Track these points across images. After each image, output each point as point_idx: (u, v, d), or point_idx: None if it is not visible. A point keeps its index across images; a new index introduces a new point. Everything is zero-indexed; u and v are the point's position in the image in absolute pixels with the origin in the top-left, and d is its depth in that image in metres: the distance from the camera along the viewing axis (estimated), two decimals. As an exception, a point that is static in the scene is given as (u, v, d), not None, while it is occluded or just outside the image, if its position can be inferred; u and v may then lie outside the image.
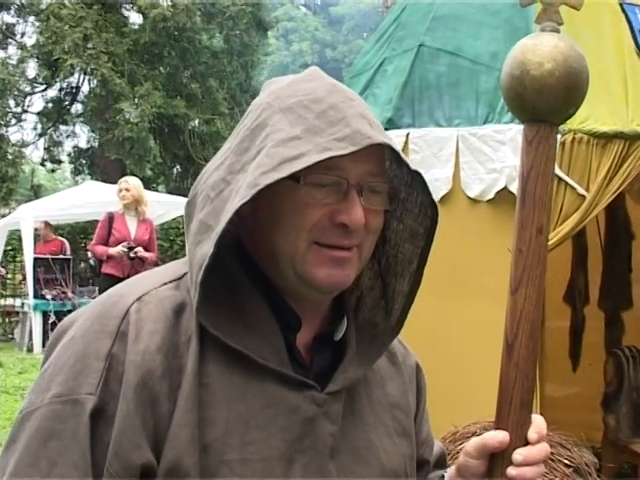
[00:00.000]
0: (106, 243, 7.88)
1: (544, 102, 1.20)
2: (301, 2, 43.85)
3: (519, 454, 1.20)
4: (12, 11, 20.42)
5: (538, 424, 1.23)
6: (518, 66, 1.21)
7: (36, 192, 23.34)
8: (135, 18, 21.03)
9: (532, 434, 1.22)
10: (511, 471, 1.20)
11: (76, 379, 1.10)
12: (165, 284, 1.20)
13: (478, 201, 4.33)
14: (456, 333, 4.45)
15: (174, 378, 1.11)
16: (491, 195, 4.23)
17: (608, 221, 5.61)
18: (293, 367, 1.20)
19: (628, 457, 5.11)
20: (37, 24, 19.80)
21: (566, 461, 3.72)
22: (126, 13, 20.88)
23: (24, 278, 13.55)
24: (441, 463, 1.53)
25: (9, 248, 16.07)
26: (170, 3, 19.40)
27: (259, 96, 1.27)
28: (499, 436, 1.21)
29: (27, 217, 13.20)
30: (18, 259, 15.87)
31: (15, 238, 15.65)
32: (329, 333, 1.28)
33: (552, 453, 3.65)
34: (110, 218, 8.02)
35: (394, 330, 1.35)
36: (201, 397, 1.12)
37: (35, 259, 12.54)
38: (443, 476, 1.39)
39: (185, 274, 1.21)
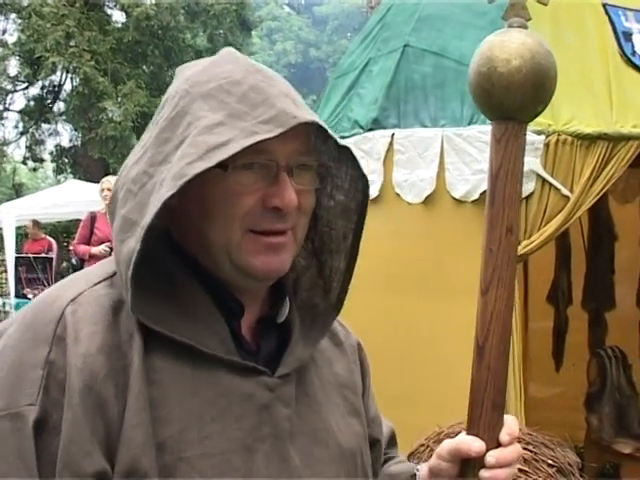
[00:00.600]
0: (88, 242, 7.85)
1: (512, 99, 1.19)
2: (285, 2, 43.82)
3: (491, 456, 1.19)
4: (-6, 8, 20.29)
5: (510, 425, 1.23)
6: (485, 63, 1.20)
7: (17, 191, 23.21)
8: (118, 16, 20.97)
9: (504, 436, 1.21)
10: (484, 473, 1.19)
11: (13, 391, 1.05)
12: (99, 283, 1.15)
13: (463, 202, 4.33)
14: (440, 333, 4.45)
15: (120, 379, 1.07)
16: (476, 196, 4.23)
17: (591, 222, 5.63)
18: (240, 354, 1.17)
19: (610, 457, 5.13)
20: (19, 22, 19.67)
21: (549, 461, 3.72)
22: (109, 11, 20.80)
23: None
24: (393, 442, 1.54)
25: (-10, 247, 15.97)
26: (154, 2, 19.34)
27: (174, 83, 1.23)
28: (475, 446, 1.20)
29: (9, 216, 13.14)
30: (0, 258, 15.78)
31: (-4, 237, 15.55)
32: (272, 316, 1.25)
33: (535, 453, 3.66)
34: (92, 217, 7.98)
35: (335, 309, 1.33)
36: (151, 395, 1.08)
37: (17, 258, 12.47)
38: (415, 475, 1.37)
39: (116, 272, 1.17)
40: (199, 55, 20.38)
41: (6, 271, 13.52)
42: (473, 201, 4.25)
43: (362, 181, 1.27)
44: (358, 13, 33.21)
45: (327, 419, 1.26)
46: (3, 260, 14.42)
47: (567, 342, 5.70)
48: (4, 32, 20.61)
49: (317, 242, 1.33)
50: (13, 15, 20.17)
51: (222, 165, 1.08)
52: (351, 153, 1.23)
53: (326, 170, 1.26)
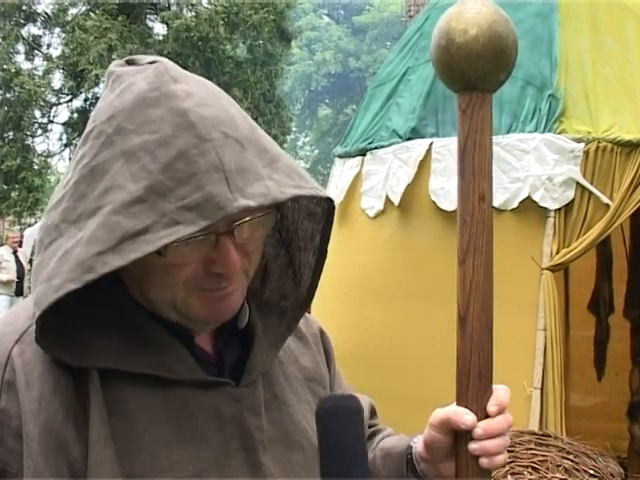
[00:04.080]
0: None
1: (472, 69, 1.18)
2: (324, 12, 43.96)
3: (478, 427, 1.16)
4: (38, 23, 20.63)
5: (498, 395, 1.20)
6: (444, 35, 1.19)
7: (61, 202, 23.47)
8: (159, 29, 21.19)
9: (491, 406, 1.18)
10: (472, 445, 1.16)
11: None
12: None
13: (502, 210, 4.32)
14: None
15: (79, 416, 1.02)
16: (515, 204, 4.22)
17: (633, 230, 5.57)
18: (203, 367, 1.13)
19: (654, 467, 5.06)
20: (63, 35, 19.97)
21: (591, 471, 3.69)
22: (150, 24, 21.02)
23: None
24: (373, 413, 1.53)
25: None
26: (193, 13, 19.52)
27: (100, 103, 1.13)
28: (466, 419, 1.17)
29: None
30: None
31: (41, 247, 15.74)
32: (232, 322, 1.20)
33: (577, 463, 3.64)
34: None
35: (304, 304, 1.29)
36: (115, 427, 1.03)
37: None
38: (411, 447, 1.34)
39: None
40: (239, 66, 20.54)
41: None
42: (512, 210, 4.25)
43: (326, 201, 1.21)
44: (397, 22, 33.19)
45: (299, 420, 1.23)
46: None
47: (609, 351, 5.63)
48: (49, 46, 20.92)
49: (284, 235, 1.30)
50: (57, 29, 20.49)
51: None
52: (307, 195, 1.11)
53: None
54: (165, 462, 1.05)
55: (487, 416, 1.18)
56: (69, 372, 1.04)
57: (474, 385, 1.19)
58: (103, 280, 1.01)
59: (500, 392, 1.20)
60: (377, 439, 1.47)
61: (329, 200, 1.21)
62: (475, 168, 1.22)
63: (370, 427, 1.51)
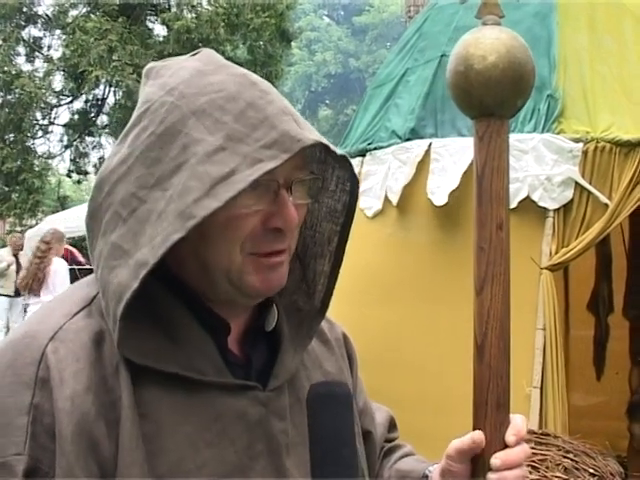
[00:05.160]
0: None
1: (491, 96, 1.18)
2: (324, 12, 43.95)
3: (497, 458, 1.16)
4: (39, 25, 20.64)
5: (516, 425, 1.20)
6: (462, 62, 1.19)
7: (62, 203, 23.45)
8: (160, 30, 21.18)
9: (509, 437, 1.18)
10: (491, 476, 1.17)
11: None
12: (77, 314, 1.10)
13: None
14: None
15: (110, 415, 1.03)
16: (514, 204, 4.22)
17: (632, 229, 5.58)
18: (231, 370, 1.14)
19: (654, 466, 5.06)
20: (63, 37, 19.97)
21: (591, 470, 3.69)
22: (151, 25, 21.02)
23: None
24: (393, 427, 1.53)
25: (36, 259, 16.19)
26: (194, 15, 19.52)
27: (150, 89, 1.15)
28: (475, 436, 1.18)
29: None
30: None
31: (42, 249, 15.76)
32: (260, 325, 1.22)
33: (577, 462, 3.64)
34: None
35: (320, 312, 1.29)
36: (143, 429, 1.04)
37: (62, 269, 12.66)
38: (426, 476, 1.35)
39: (95, 297, 1.11)
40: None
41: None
42: (511, 210, 4.24)
43: (351, 181, 1.24)
44: (397, 23, 33.21)
45: None
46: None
47: (609, 350, 5.63)
48: (49, 48, 20.93)
49: (300, 246, 1.29)
50: (58, 31, 20.49)
51: None
52: (343, 157, 1.18)
53: (316, 176, 1.21)
54: (192, 465, 1.06)
55: (505, 446, 1.18)
56: (101, 371, 1.05)
57: (492, 414, 1.19)
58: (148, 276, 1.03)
59: (517, 421, 1.20)
60: (395, 457, 1.47)
61: (352, 194, 1.24)
62: (493, 195, 1.20)
63: (389, 441, 1.50)
